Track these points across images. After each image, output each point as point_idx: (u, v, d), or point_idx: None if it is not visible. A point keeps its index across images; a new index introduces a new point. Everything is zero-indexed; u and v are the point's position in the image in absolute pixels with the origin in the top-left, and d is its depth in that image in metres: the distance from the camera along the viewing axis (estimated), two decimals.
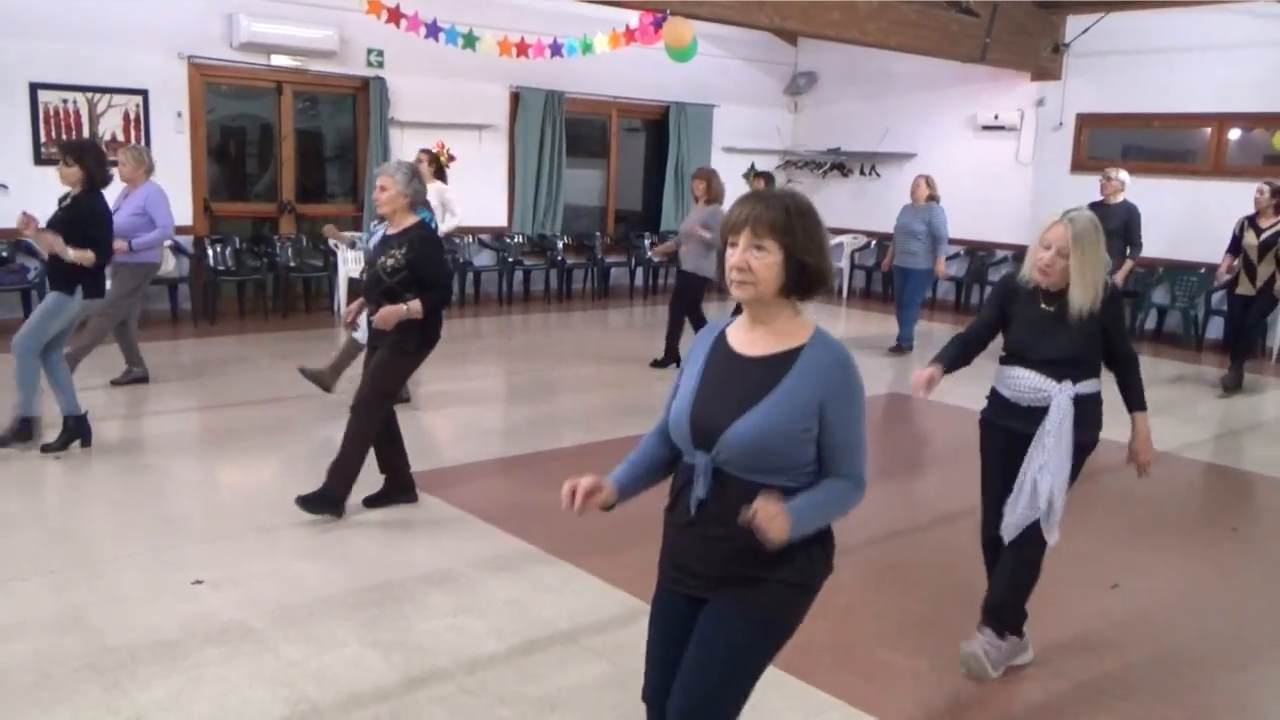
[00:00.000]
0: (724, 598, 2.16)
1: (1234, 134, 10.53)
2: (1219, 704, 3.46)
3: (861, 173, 13.39)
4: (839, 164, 13.57)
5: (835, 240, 13.45)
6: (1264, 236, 8.15)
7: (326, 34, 9.86)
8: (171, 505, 4.94)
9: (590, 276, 12.48)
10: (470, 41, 8.87)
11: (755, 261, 2.05)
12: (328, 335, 9.60)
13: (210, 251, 9.74)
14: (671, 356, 8.45)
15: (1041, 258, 3.34)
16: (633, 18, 8.80)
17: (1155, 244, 9.44)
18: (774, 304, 2.11)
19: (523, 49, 9.09)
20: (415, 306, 4.58)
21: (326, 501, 4.73)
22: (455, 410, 6.89)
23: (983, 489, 3.65)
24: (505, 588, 4.10)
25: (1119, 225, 8.54)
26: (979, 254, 12.15)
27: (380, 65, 10.41)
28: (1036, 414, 3.39)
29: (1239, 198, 10.02)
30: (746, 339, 2.17)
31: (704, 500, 2.13)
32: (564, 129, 11.84)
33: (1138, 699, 3.45)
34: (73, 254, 5.33)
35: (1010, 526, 3.45)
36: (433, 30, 8.63)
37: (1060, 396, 3.35)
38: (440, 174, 8.25)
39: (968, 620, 3.81)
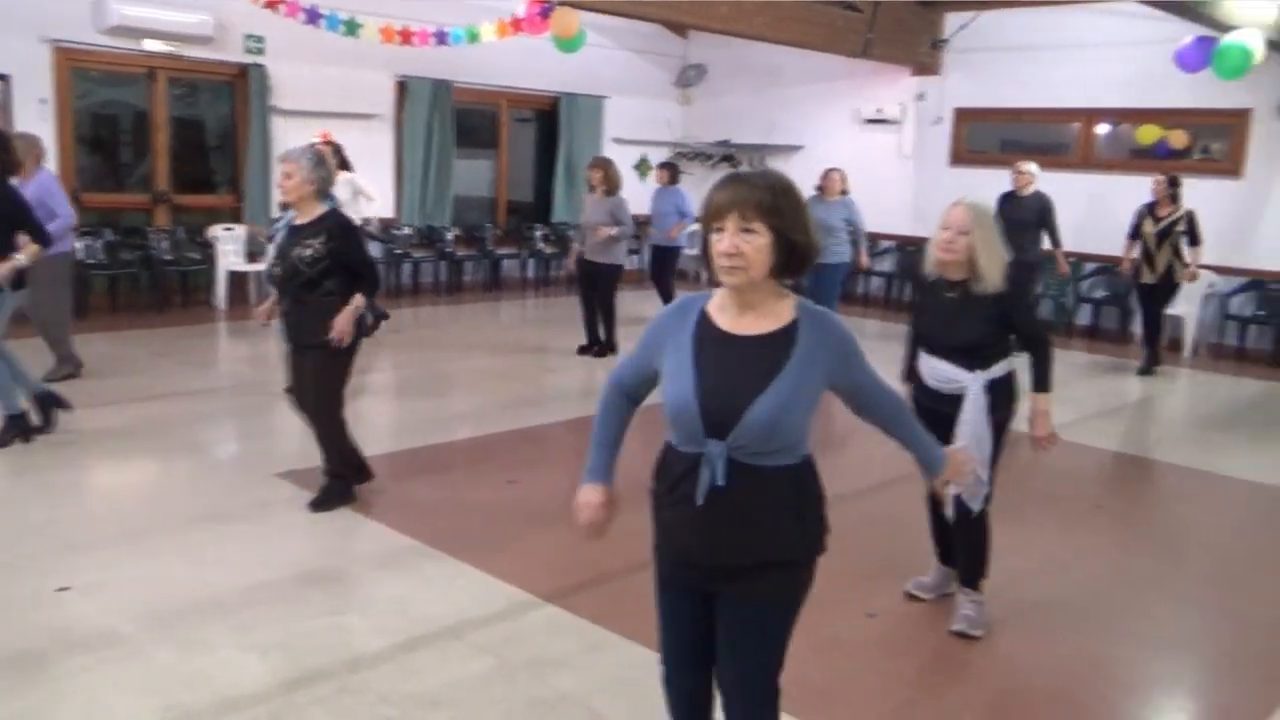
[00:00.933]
0: (732, 593, 2.20)
1: (1103, 128, 11.00)
2: (1075, 670, 3.62)
3: (750, 165, 13.55)
4: (728, 156, 13.72)
5: None
6: (1161, 225, 8.54)
7: (201, 19, 9.52)
8: (36, 510, 4.71)
9: (481, 268, 12.36)
10: (352, 28, 8.68)
11: (745, 245, 2.03)
12: (207, 331, 9.30)
13: (79, 244, 9.32)
14: (610, 346, 8.54)
15: (943, 237, 3.51)
16: (520, 7, 8.74)
17: None
18: (763, 286, 2.11)
19: (406, 37, 8.93)
20: (360, 301, 4.51)
21: (334, 490, 4.79)
22: None
23: None
24: (389, 584, 4.04)
25: (1033, 215, 8.89)
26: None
27: (260, 52, 10.11)
28: (955, 399, 3.60)
29: (1109, 189, 10.52)
30: (736, 320, 2.15)
31: (718, 488, 2.11)
32: (453, 119, 11.69)
33: (999, 668, 3.59)
34: (22, 258, 5.28)
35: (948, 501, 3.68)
36: (312, 16, 8.41)
37: (974, 386, 3.56)
38: (345, 164, 8.14)
39: (849, 600, 3.92)
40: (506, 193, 13.01)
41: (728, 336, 2.14)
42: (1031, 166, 9.15)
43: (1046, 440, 3.70)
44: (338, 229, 4.52)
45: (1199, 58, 8.12)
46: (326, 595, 3.91)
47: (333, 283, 4.50)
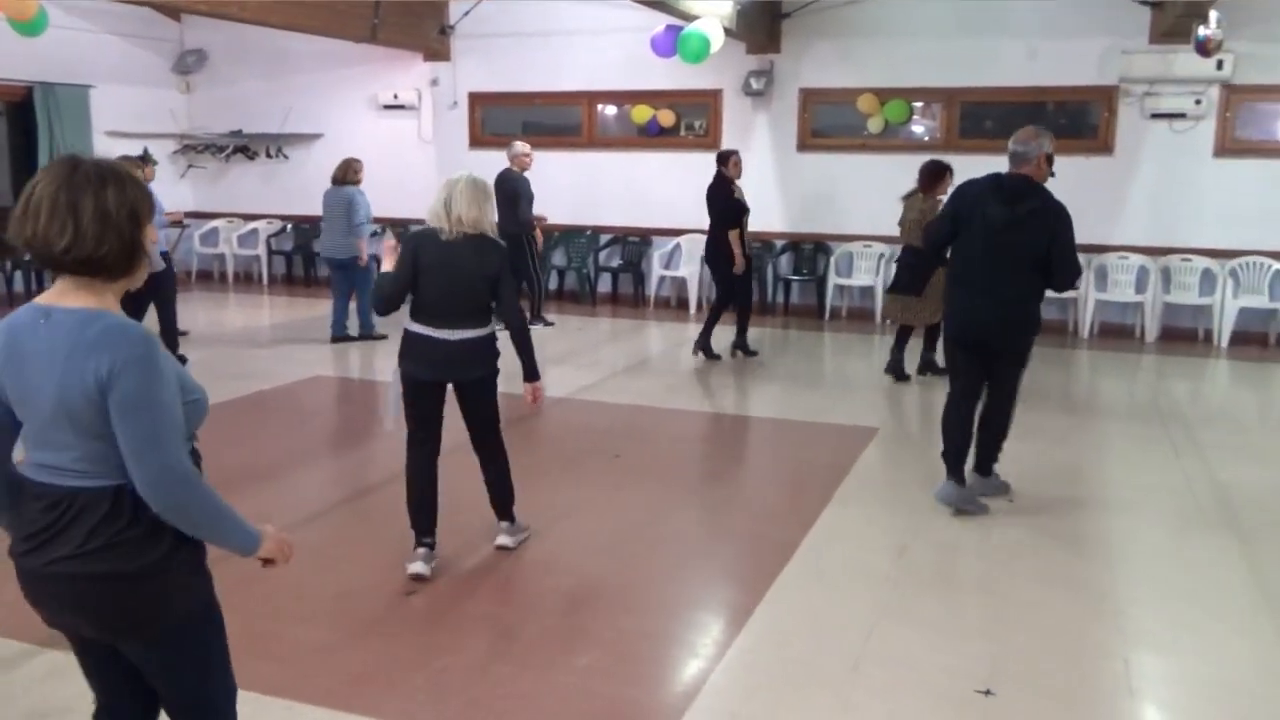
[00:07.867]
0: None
1: (610, 110, 11.83)
2: (599, 604, 3.94)
3: (268, 155, 12.96)
4: (242, 146, 13.00)
5: (249, 226, 12.94)
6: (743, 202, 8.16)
7: None
8: None
9: None
10: None
11: None
12: None
13: None
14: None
15: None
16: None
17: (553, 211, 10.37)
18: None
19: None
20: None
21: None
22: None
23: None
24: None
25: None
26: (396, 230, 12.40)
27: None
28: None
29: (614, 166, 11.41)
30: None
31: None
32: None
33: (531, 619, 3.82)
34: None
35: None
36: None
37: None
38: None
39: (387, 587, 3.94)
40: None
41: None
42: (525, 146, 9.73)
43: None
44: None
45: (668, 44, 9.01)
46: None
47: None
